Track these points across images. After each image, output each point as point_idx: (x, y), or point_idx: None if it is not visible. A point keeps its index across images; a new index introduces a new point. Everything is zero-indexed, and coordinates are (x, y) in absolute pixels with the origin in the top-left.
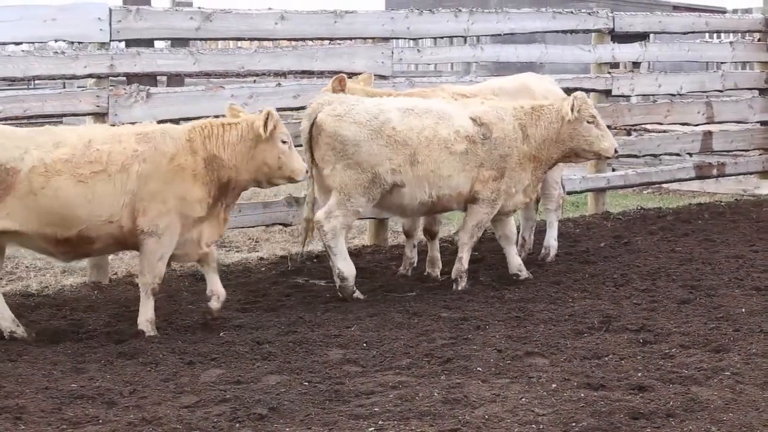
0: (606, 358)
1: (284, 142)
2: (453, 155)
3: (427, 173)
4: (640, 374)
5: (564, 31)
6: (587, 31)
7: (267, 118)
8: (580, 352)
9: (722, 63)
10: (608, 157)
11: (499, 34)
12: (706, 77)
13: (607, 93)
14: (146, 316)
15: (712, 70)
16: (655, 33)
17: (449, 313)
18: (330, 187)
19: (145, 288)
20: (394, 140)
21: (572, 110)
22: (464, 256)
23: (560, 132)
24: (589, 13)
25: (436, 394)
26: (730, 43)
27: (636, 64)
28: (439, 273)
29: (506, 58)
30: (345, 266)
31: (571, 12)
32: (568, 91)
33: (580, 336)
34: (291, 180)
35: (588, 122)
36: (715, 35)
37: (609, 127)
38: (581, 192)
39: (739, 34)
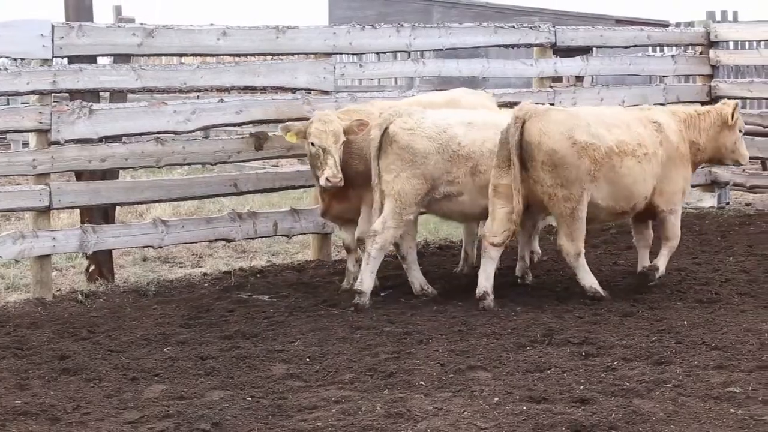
0: (548, 372)
1: (740, 131)
2: None
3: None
4: (582, 387)
5: (506, 46)
6: (529, 46)
7: (734, 109)
8: (522, 366)
9: (665, 76)
10: None
11: (441, 49)
12: (649, 91)
13: None
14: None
15: (654, 83)
16: (597, 47)
17: (392, 328)
18: (386, 193)
19: (670, 250)
20: (458, 155)
21: None
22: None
23: None
24: (530, 28)
25: (378, 408)
26: (672, 56)
27: (579, 78)
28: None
29: (448, 72)
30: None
31: (513, 26)
32: (509, 105)
33: (522, 349)
34: (737, 163)
35: None
36: (658, 49)
37: None
38: None
39: (682, 48)
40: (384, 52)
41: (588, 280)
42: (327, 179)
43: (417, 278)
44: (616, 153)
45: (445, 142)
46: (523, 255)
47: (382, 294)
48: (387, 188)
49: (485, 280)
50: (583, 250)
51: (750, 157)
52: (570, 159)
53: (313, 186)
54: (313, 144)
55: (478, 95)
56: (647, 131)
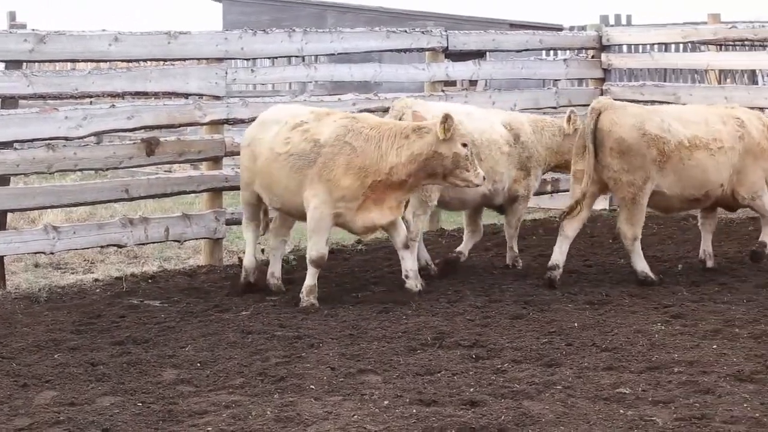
0: (438, 374)
1: None
2: None
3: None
4: (472, 389)
5: (398, 50)
6: (421, 50)
7: None
8: (412, 369)
9: (557, 80)
10: None
11: (333, 54)
12: (541, 94)
13: None
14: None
15: (548, 87)
16: (490, 51)
17: (283, 332)
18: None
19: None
20: None
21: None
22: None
23: None
24: (422, 32)
25: (269, 412)
26: (564, 60)
27: (473, 82)
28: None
29: (340, 77)
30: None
31: (405, 31)
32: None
33: (413, 353)
34: None
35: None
36: (552, 53)
37: None
38: None
39: (574, 52)
40: (276, 57)
41: (640, 264)
42: (484, 177)
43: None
44: (686, 147)
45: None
46: (511, 245)
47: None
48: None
49: (559, 255)
50: (640, 236)
51: None
52: (637, 148)
53: (205, 191)
54: (465, 145)
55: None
56: (727, 127)
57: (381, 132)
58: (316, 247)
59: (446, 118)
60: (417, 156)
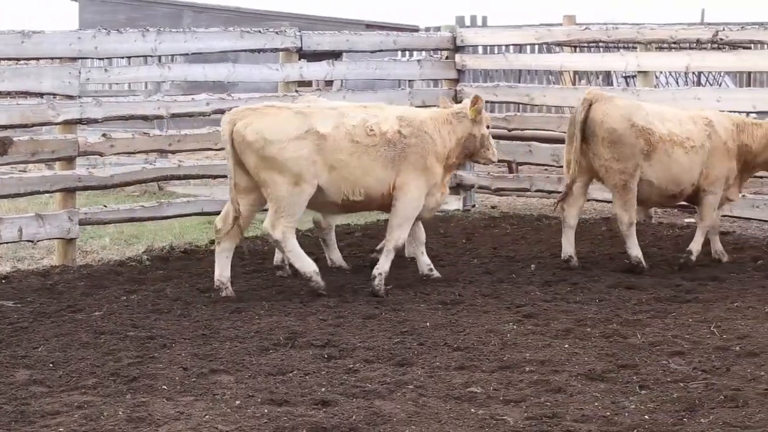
0: (290, 374)
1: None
2: None
3: None
4: (323, 389)
5: (252, 50)
6: (275, 50)
7: None
8: (265, 369)
9: (412, 80)
10: None
11: (188, 53)
12: (394, 95)
13: None
14: (697, 246)
15: (402, 87)
16: (345, 51)
17: (136, 332)
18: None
19: (703, 229)
20: None
21: None
22: None
23: None
24: (276, 32)
25: (120, 413)
26: (418, 61)
27: (329, 83)
28: None
29: (194, 77)
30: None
31: (259, 31)
32: None
33: (265, 352)
34: None
35: None
36: (408, 53)
37: None
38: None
39: (430, 52)
40: (130, 57)
41: (635, 251)
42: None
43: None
44: (667, 140)
45: None
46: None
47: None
48: None
49: (568, 246)
50: (635, 221)
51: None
52: (627, 138)
53: (58, 191)
54: (488, 126)
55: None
56: (697, 127)
57: (436, 120)
58: (402, 235)
59: (477, 100)
60: (460, 139)
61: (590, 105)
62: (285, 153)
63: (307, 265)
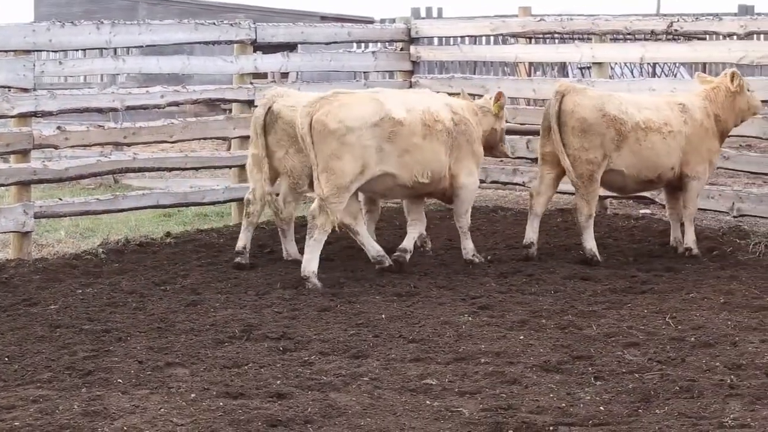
0: (246, 367)
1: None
2: None
3: None
4: (279, 382)
5: (206, 42)
6: (229, 42)
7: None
8: (220, 362)
9: (367, 72)
10: None
11: (142, 46)
12: (349, 87)
13: (250, 103)
14: (692, 237)
15: (358, 79)
16: (300, 43)
17: (92, 326)
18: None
19: (689, 217)
20: None
21: None
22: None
23: None
24: (231, 24)
25: (76, 406)
26: (373, 53)
27: (285, 75)
28: None
29: (148, 69)
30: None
31: (214, 23)
32: (211, 101)
33: (221, 345)
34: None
35: None
36: (363, 45)
37: None
38: (225, 202)
39: (385, 44)
40: (85, 49)
41: (590, 243)
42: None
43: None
44: (642, 128)
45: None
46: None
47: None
48: (279, 165)
49: (532, 232)
50: (594, 214)
51: None
52: (597, 127)
53: (13, 184)
54: (508, 121)
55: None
56: (674, 113)
57: (471, 110)
58: (469, 219)
59: (500, 96)
60: (485, 132)
61: (563, 97)
62: (362, 140)
63: (375, 249)
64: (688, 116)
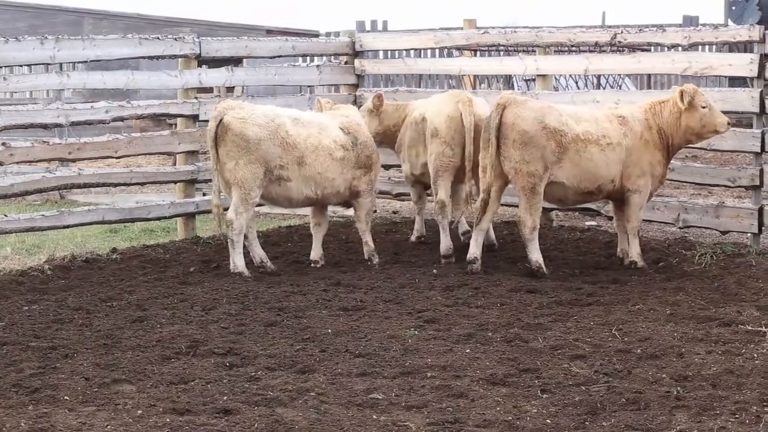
0: (192, 383)
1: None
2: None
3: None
4: (225, 398)
5: (151, 57)
6: (174, 57)
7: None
8: (167, 378)
9: (311, 86)
10: None
11: (86, 61)
12: (294, 101)
13: (195, 118)
14: (636, 250)
15: (302, 93)
16: (244, 57)
17: (38, 342)
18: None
19: (633, 230)
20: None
21: None
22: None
23: None
24: (175, 39)
25: (23, 424)
26: (317, 66)
27: (231, 89)
28: None
29: (93, 84)
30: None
31: (158, 38)
32: (156, 116)
33: (167, 361)
34: (716, 133)
35: None
36: (309, 59)
37: (196, 152)
38: (170, 217)
39: (330, 58)
40: (29, 65)
41: (535, 255)
42: None
43: (258, 253)
44: (581, 140)
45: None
46: (366, 240)
47: None
48: (230, 176)
49: (476, 248)
50: (538, 227)
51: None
52: (537, 140)
53: None
54: None
55: None
56: (612, 125)
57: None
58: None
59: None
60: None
61: (504, 109)
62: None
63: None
64: (627, 129)
